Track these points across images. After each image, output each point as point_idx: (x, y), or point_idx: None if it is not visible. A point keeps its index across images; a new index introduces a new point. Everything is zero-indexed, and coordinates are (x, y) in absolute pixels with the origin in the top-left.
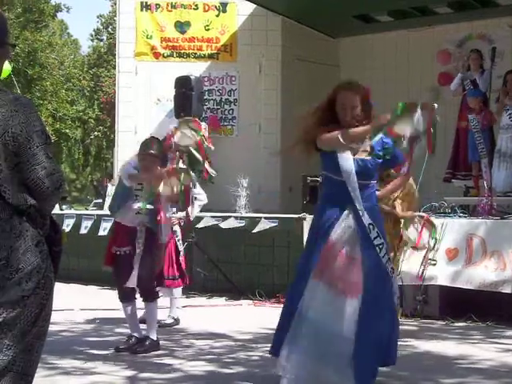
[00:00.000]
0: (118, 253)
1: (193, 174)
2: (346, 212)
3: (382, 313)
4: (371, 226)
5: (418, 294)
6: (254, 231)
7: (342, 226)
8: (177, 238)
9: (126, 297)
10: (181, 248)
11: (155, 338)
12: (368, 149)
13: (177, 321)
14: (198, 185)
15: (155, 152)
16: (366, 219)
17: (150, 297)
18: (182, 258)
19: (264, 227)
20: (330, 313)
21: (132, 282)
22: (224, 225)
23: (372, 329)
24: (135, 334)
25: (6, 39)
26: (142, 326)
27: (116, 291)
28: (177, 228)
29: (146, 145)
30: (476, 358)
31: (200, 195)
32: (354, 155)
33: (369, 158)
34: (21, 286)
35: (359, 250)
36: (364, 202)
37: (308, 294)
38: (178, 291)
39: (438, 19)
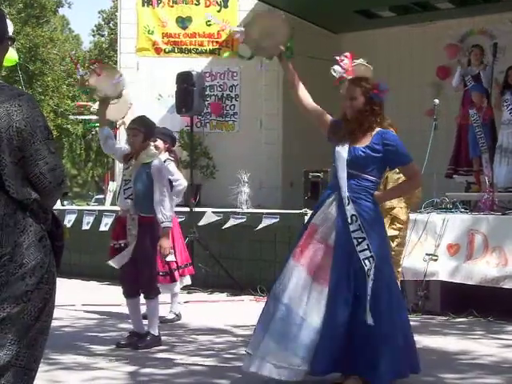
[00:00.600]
0: (117, 246)
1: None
2: (331, 198)
3: (347, 308)
4: (354, 217)
5: (420, 289)
6: (256, 229)
7: (325, 212)
8: None
9: (129, 292)
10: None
11: (156, 334)
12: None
13: (178, 316)
14: (176, 171)
15: (138, 126)
16: (350, 209)
17: (151, 293)
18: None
19: (266, 224)
20: (301, 297)
21: (116, 263)
22: (225, 225)
23: (335, 320)
24: (137, 330)
25: (6, 35)
26: (145, 322)
27: (118, 286)
28: None
29: (131, 121)
30: (477, 353)
31: (178, 181)
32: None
33: (362, 146)
34: (24, 280)
35: (334, 238)
36: (353, 193)
37: (285, 274)
38: (175, 287)
39: (440, 14)
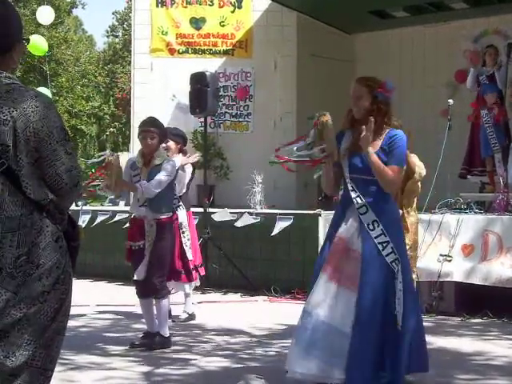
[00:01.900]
0: (133, 248)
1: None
2: (351, 208)
3: (380, 310)
4: (375, 223)
5: (434, 290)
6: (272, 234)
7: (348, 222)
8: (181, 231)
9: (142, 292)
10: (186, 241)
11: (167, 335)
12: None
13: (191, 316)
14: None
15: (155, 128)
16: (370, 215)
17: (158, 294)
18: (190, 252)
19: (282, 227)
20: (329, 304)
21: (139, 275)
22: (239, 223)
23: (368, 324)
24: (150, 330)
25: (22, 35)
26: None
27: (132, 287)
28: (183, 219)
29: (144, 123)
30: (492, 354)
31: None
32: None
33: (374, 151)
34: (41, 281)
35: (360, 245)
36: (370, 198)
37: (316, 288)
38: (187, 286)
39: (454, 15)
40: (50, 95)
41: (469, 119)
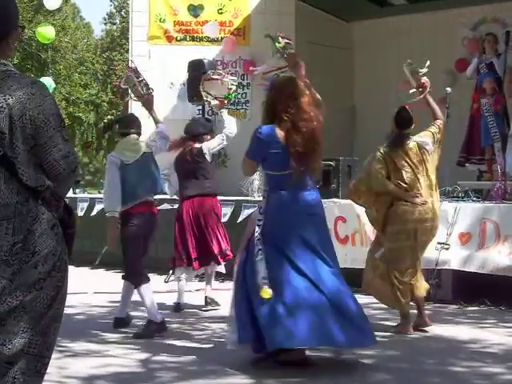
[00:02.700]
0: None
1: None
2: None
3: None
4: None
5: (431, 278)
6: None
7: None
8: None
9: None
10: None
11: (158, 320)
12: None
13: (179, 305)
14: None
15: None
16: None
17: (132, 282)
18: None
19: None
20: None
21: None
22: (241, 217)
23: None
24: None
25: (17, 21)
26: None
27: None
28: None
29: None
30: (488, 342)
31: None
32: None
33: None
34: (37, 268)
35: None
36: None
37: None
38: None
39: (453, 2)
40: (52, 84)
41: (473, 112)
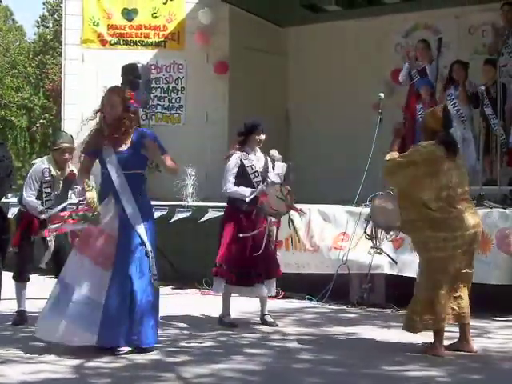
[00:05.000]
0: None
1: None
2: (107, 199)
3: (131, 285)
4: (133, 210)
5: (364, 282)
6: (201, 220)
7: (104, 210)
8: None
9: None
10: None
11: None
12: (128, 143)
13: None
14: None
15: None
16: (127, 203)
17: None
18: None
19: (212, 216)
20: (88, 281)
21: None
22: (173, 218)
23: (118, 296)
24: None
25: None
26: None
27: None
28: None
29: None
30: (421, 345)
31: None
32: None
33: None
34: None
35: (117, 230)
36: (132, 190)
37: (70, 264)
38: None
39: (386, 9)
40: None
41: (404, 116)
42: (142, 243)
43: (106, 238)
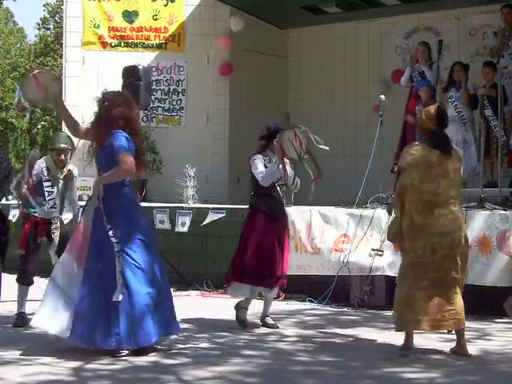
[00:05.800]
0: None
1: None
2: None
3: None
4: (106, 209)
5: (365, 284)
6: (202, 224)
7: (85, 212)
8: None
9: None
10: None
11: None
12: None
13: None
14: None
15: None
16: (97, 203)
17: None
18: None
19: (212, 219)
20: (68, 279)
21: None
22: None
23: (91, 293)
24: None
25: None
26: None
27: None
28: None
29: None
30: (422, 347)
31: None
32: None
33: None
34: None
35: (91, 231)
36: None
37: (60, 265)
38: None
39: (386, 11)
40: None
41: (404, 118)
42: (115, 243)
43: (85, 237)
